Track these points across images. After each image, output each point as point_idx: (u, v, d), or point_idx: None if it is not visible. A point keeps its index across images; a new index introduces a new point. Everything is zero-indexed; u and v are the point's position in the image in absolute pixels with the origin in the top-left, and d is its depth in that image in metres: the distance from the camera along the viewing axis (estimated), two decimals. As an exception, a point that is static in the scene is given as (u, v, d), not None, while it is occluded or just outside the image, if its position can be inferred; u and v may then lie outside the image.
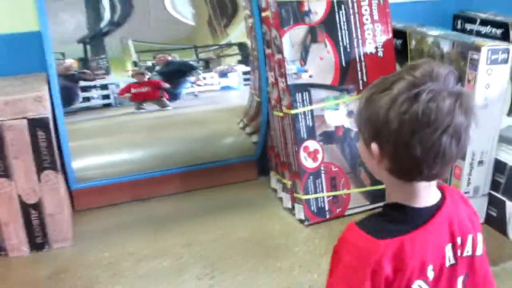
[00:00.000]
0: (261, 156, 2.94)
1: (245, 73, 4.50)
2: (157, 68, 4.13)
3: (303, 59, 2.42)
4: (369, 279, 0.82)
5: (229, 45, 4.01)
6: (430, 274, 0.86)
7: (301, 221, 2.47)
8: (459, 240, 0.90)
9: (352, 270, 0.84)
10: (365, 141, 0.88)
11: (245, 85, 4.47)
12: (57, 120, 2.41)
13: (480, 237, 0.94)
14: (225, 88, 4.44)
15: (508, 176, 2.25)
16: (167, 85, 4.01)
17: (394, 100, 0.79)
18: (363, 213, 2.51)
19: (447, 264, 0.89)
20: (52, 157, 2.30)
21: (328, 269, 0.91)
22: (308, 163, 2.43)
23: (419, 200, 0.89)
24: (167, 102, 3.91)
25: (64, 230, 2.39)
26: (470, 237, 0.92)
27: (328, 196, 2.48)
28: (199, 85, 4.20)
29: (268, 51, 2.57)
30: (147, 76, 4.06)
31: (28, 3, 2.42)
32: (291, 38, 2.39)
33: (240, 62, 4.60)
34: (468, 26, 2.97)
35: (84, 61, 4.16)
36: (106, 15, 3.25)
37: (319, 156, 2.45)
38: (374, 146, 0.84)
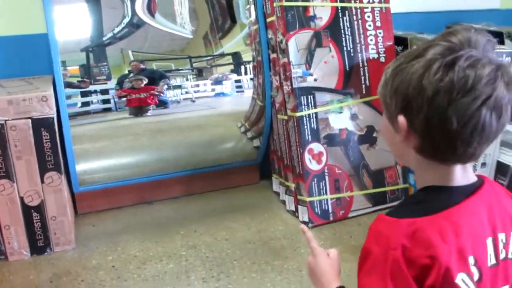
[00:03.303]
0: (263, 160, 2.79)
1: (237, 81, 4.46)
2: (131, 75, 4.04)
3: (308, 63, 2.29)
4: (403, 265, 0.65)
5: (223, 55, 3.93)
6: (474, 270, 0.68)
7: (305, 223, 2.32)
8: (502, 236, 0.72)
9: (380, 259, 0.68)
10: (390, 116, 0.73)
11: (237, 92, 4.42)
12: (62, 121, 2.25)
13: None
14: (219, 94, 4.37)
15: (510, 178, 2.13)
16: (159, 92, 3.90)
17: (428, 66, 0.64)
18: (365, 216, 2.38)
19: (489, 263, 0.71)
20: (56, 158, 2.13)
21: (358, 271, 0.75)
22: (313, 165, 2.29)
23: (452, 182, 0.72)
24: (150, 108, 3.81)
25: (66, 233, 2.22)
26: None
27: (331, 198, 2.34)
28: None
29: (273, 55, 2.44)
30: (144, 82, 3.94)
31: (36, 6, 2.27)
32: (296, 42, 2.27)
33: (232, 71, 4.55)
34: (464, 36, 2.86)
35: (86, 68, 4.03)
36: (109, 27, 3.16)
37: (323, 158, 2.32)
38: (401, 119, 0.69)
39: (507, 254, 0.73)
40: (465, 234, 0.69)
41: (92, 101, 3.89)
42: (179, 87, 4.37)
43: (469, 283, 0.67)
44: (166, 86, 4.04)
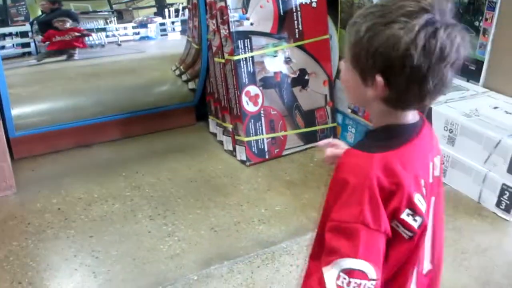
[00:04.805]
0: (199, 102, 2.85)
1: (161, 24, 4.39)
2: (42, 15, 3.86)
3: (245, 7, 2.33)
4: (376, 192, 0.78)
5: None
6: (423, 189, 0.85)
7: (243, 162, 2.45)
8: (435, 160, 0.91)
9: (359, 187, 0.78)
10: (363, 72, 0.80)
11: (162, 35, 4.36)
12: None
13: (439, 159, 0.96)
14: (144, 38, 4.29)
15: (426, 116, 2.35)
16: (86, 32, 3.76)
17: (413, 34, 0.74)
18: (298, 153, 2.55)
19: (430, 181, 0.89)
20: (-9, 104, 2.07)
21: (326, 202, 0.84)
22: (250, 107, 2.40)
23: (407, 121, 0.85)
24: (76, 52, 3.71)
25: (6, 178, 2.20)
26: (438, 158, 0.93)
27: (267, 138, 2.47)
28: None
29: (209, -1, 2.45)
30: (68, 23, 3.78)
31: None
32: (233, -14, 2.29)
33: (156, 14, 4.45)
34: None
35: (2, 9, 3.77)
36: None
37: (259, 100, 2.42)
38: (380, 79, 0.78)
39: (434, 173, 0.92)
40: (418, 163, 0.85)
41: (13, 45, 3.69)
42: (103, 29, 4.23)
43: (421, 200, 0.84)
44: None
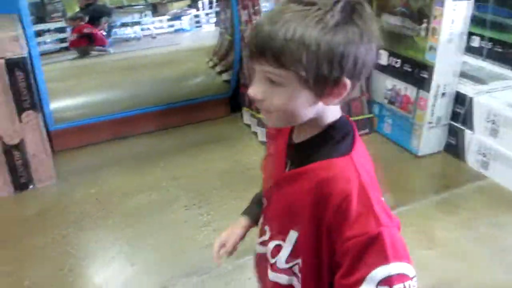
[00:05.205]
0: (233, 94, 2.86)
1: (195, 16, 4.42)
2: (78, 11, 3.93)
3: (278, -4, 2.32)
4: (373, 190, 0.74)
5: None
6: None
7: (277, 153, 2.44)
8: None
9: (362, 193, 0.71)
10: (317, 81, 0.69)
11: (196, 27, 4.39)
12: (33, 61, 2.21)
13: None
14: (179, 30, 4.33)
15: (467, 107, 2.29)
16: (91, 30, 3.81)
17: (358, 34, 0.68)
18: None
19: None
20: (32, 97, 2.13)
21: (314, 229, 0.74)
22: (284, 98, 2.38)
23: (340, 114, 0.79)
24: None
25: (47, 169, 2.26)
26: None
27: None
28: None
29: (240, -11, 2.44)
30: (84, 21, 3.84)
31: None
32: (265, -24, 2.28)
33: (190, 6, 4.48)
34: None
35: (39, 5, 3.86)
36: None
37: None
38: (348, 82, 0.70)
39: None
40: (368, 156, 0.80)
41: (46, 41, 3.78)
42: (138, 23, 4.29)
43: None
44: (106, 24, 3.96)
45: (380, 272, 0.68)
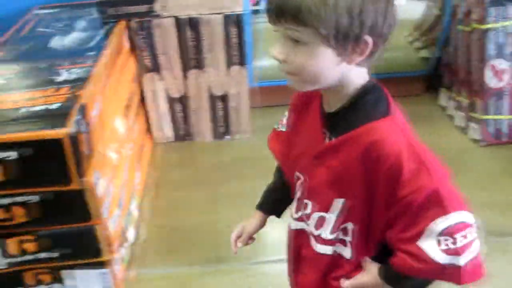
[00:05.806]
0: (432, 72, 2.70)
1: None
2: None
3: (506, -31, 2.09)
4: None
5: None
6: None
7: (475, 141, 2.27)
8: None
9: (412, 151, 0.72)
10: (341, 39, 0.68)
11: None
12: (243, 18, 2.35)
13: None
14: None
15: None
16: None
17: None
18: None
19: None
20: (241, 54, 2.28)
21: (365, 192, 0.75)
22: (493, 82, 2.18)
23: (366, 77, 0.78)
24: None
25: (245, 123, 2.42)
26: None
27: (508, 119, 2.23)
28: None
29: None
30: None
31: None
32: None
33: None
34: None
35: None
36: None
37: (506, 76, 2.18)
38: (370, 40, 0.69)
39: None
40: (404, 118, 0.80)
41: None
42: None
43: None
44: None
45: (440, 223, 0.70)
